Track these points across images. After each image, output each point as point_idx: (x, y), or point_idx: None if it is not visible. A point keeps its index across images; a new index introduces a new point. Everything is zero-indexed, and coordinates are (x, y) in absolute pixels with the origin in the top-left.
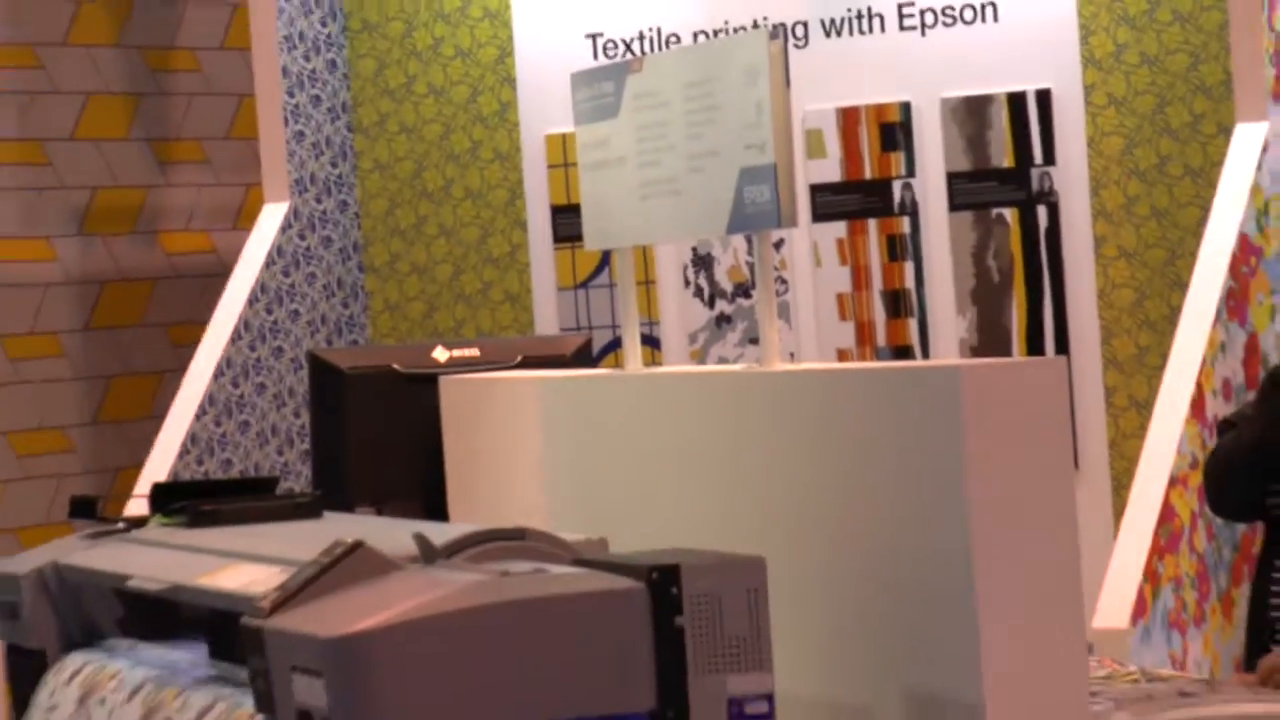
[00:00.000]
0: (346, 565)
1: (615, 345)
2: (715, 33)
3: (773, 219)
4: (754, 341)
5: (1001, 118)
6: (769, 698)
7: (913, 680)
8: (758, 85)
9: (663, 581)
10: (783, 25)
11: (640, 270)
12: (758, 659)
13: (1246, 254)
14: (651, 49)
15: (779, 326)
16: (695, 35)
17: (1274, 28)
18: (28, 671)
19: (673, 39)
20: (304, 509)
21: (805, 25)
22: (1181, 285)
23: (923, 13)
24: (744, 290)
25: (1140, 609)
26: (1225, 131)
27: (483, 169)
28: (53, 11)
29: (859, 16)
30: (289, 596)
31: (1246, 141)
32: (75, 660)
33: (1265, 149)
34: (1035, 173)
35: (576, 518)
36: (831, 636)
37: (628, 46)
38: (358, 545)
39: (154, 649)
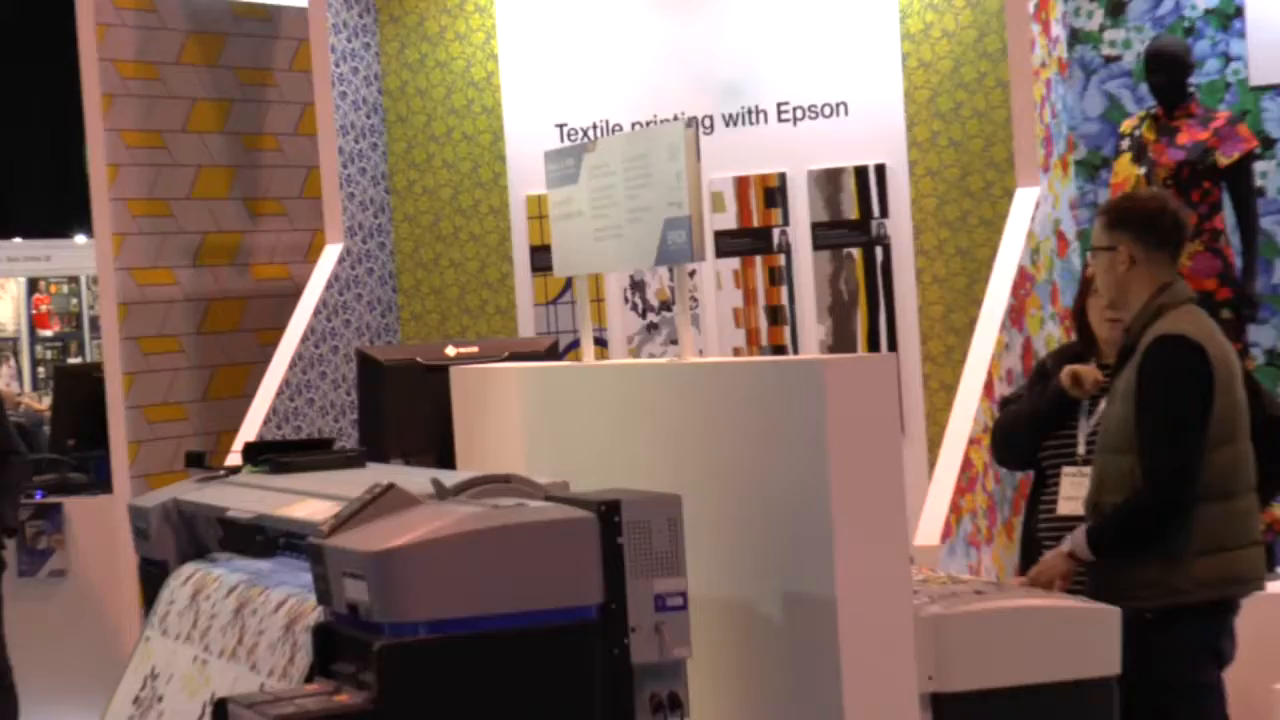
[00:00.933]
0: (382, 501)
1: (575, 345)
2: (647, 123)
3: (688, 255)
4: (674, 343)
5: (850, 184)
6: (683, 594)
7: (784, 582)
8: (678, 160)
9: (608, 512)
10: (695, 118)
11: (593, 291)
12: (675, 567)
13: (1024, 281)
14: (602, 134)
15: (692, 332)
16: (633, 124)
17: (1043, 121)
18: (154, 577)
19: (617, 127)
20: (353, 461)
21: (711, 118)
22: (978, 303)
23: (794, 109)
24: (667, 306)
25: (948, 531)
26: (1009, 194)
27: (481, 219)
28: (175, 108)
29: (749, 112)
30: (342, 523)
31: (1024, 201)
32: (188, 569)
33: (1037, 206)
34: (874, 223)
35: (547, 467)
36: (727, 552)
37: (585, 133)
38: (390, 486)
39: (245, 560)
